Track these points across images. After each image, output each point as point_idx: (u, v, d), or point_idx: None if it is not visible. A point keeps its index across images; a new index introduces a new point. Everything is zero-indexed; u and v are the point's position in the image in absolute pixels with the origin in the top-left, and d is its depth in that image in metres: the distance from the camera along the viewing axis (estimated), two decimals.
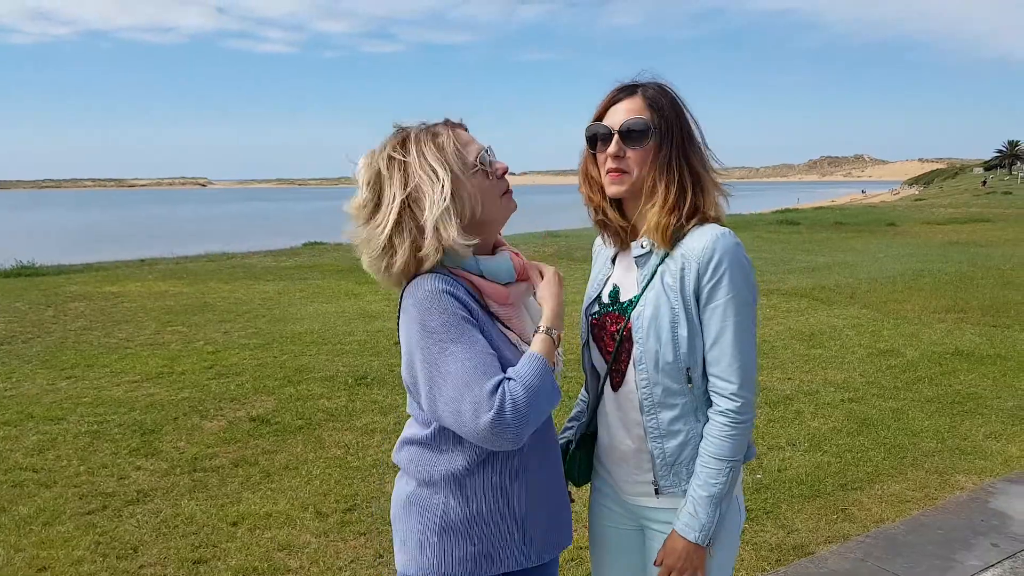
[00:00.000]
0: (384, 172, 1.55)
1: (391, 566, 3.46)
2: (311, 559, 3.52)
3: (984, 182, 72.11)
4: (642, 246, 1.69)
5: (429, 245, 1.50)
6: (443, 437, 1.58)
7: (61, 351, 7.52)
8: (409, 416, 1.70)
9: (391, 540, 3.96)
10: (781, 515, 3.90)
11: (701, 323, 1.60)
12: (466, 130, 1.64)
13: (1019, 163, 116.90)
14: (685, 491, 1.66)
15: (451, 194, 1.51)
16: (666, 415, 1.65)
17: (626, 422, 1.72)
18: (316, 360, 7.13)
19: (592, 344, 1.77)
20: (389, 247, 1.53)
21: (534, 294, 1.69)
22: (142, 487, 4.33)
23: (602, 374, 1.75)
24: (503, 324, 1.61)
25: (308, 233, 21.96)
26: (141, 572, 3.43)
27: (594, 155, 1.73)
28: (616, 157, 1.66)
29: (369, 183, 1.56)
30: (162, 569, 3.45)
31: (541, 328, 1.58)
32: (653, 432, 1.67)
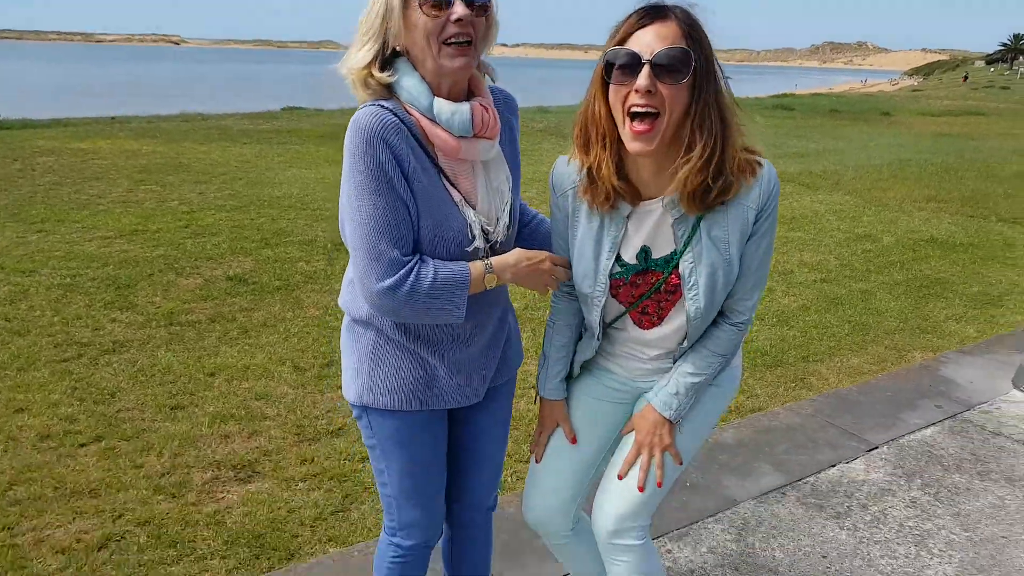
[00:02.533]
0: None
1: None
2: (288, 408, 3.62)
3: (965, 77, 70.55)
4: (673, 213, 1.55)
5: (352, 66, 1.50)
6: None
7: (30, 205, 7.39)
8: None
9: None
10: (743, 382, 4.03)
11: (743, 257, 1.59)
12: None
13: (1021, 58, 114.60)
14: None
15: (380, 17, 1.47)
16: (697, 338, 1.70)
17: (650, 352, 1.75)
18: (294, 224, 7.07)
19: (608, 298, 1.69)
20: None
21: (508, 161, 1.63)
22: (117, 338, 4.37)
23: (614, 318, 1.72)
24: (448, 180, 1.53)
25: (287, 97, 21.32)
26: (119, 416, 3.51)
27: (605, 91, 1.47)
28: (647, 92, 1.39)
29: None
30: (140, 413, 3.54)
31: (488, 263, 1.55)
32: (683, 351, 1.72)
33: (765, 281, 1.65)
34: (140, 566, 2.53)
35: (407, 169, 1.47)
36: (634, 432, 1.75)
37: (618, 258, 1.63)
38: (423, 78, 1.49)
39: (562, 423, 1.86)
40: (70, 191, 8.13)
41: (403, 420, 1.68)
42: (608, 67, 1.43)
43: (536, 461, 1.91)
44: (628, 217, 1.59)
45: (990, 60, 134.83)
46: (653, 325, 1.69)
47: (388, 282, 1.45)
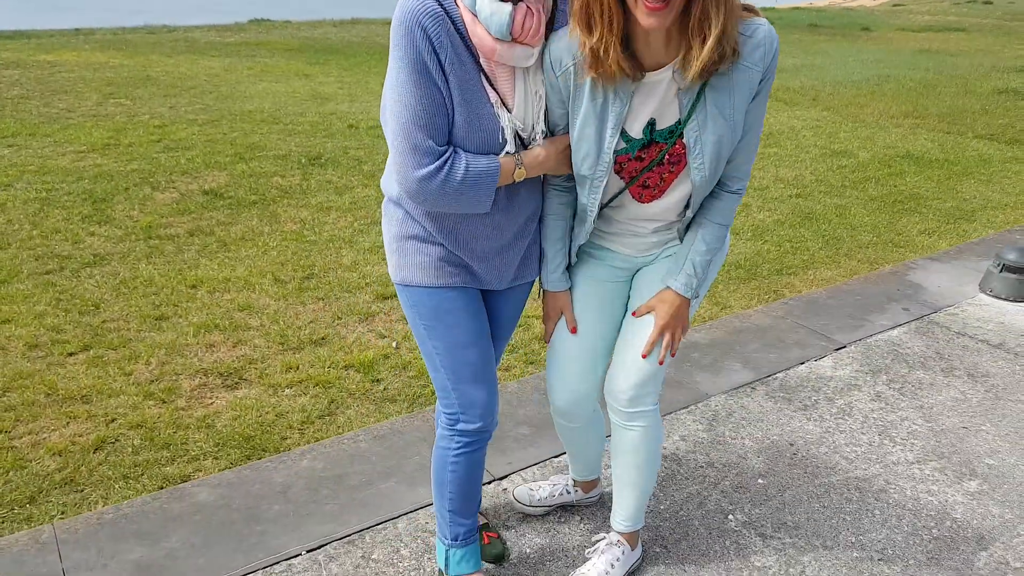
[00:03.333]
0: None
1: (349, 326, 3.63)
2: (271, 319, 3.66)
3: None
4: (679, 85, 1.55)
5: None
6: None
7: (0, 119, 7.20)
8: None
9: (349, 305, 4.10)
10: (717, 294, 4.13)
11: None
12: None
13: None
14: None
15: None
16: (699, 204, 1.76)
17: (650, 225, 1.80)
18: (268, 139, 6.96)
19: (611, 175, 1.70)
20: None
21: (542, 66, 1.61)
22: (98, 251, 4.35)
23: (612, 196, 1.74)
24: (487, 79, 1.51)
25: (253, 9, 20.55)
26: (104, 326, 3.54)
27: None
28: None
29: None
30: (125, 324, 3.57)
31: (519, 158, 1.59)
32: (687, 221, 1.79)
33: (759, 142, 1.70)
34: (135, 466, 2.61)
35: (444, 59, 1.45)
36: (652, 314, 1.83)
37: (623, 134, 1.62)
38: None
39: (565, 312, 1.90)
40: (38, 104, 7.90)
41: (440, 295, 1.72)
42: None
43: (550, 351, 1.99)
44: (634, 91, 1.57)
45: None
46: (654, 198, 1.73)
47: (423, 172, 1.49)
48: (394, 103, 1.48)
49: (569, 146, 1.66)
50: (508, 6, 1.43)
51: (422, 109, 1.46)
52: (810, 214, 5.53)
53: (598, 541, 2.16)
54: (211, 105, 8.31)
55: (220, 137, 6.92)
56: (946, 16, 32.73)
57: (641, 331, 1.85)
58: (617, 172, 1.69)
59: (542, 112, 1.62)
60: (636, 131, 1.62)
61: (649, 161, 1.64)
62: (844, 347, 3.52)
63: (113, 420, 2.85)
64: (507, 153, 1.58)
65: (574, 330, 1.90)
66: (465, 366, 1.77)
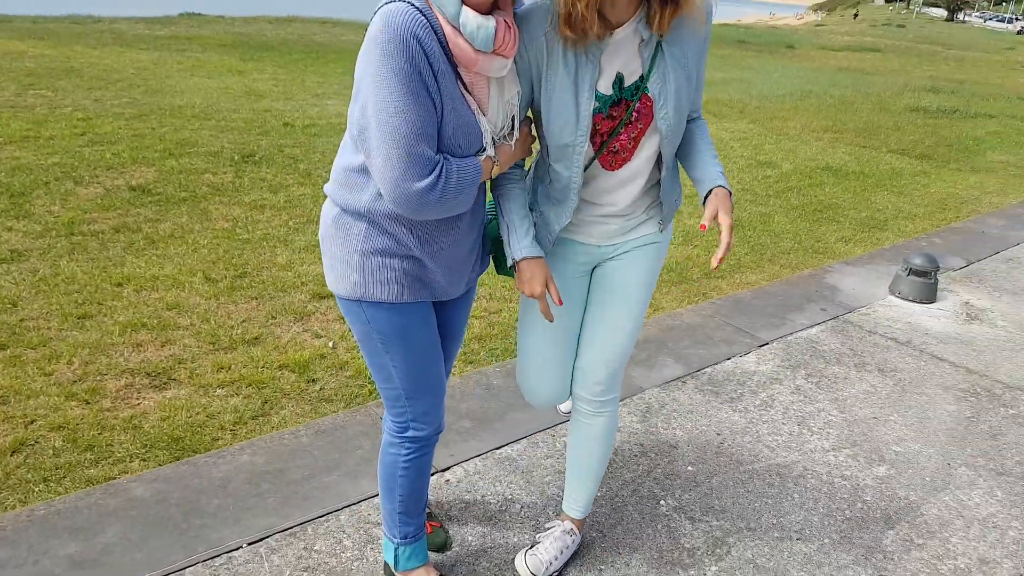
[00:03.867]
0: None
1: (284, 326, 3.59)
2: (202, 318, 3.59)
3: (855, 15, 72.66)
4: (642, 37, 1.66)
5: None
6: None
7: None
8: (343, 144, 1.71)
9: (284, 305, 4.03)
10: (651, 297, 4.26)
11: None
12: None
13: None
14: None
15: None
16: (672, 166, 1.84)
17: (624, 192, 1.85)
18: (199, 135, 6.81)
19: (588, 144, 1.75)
20: None
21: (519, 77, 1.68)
22: (15, 247, 4.18)
23: (586, 163, 1.79)
24: (464, 87, 1.55)
25: (184, 2, 20.00)
26: (23, 325, 3.41)
27: None
28: None
29: None
30: (45, 323, 3.44)
31: (495, 156, 1.64)
32: (666, 186, 1.86)
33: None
34: (56, 469, 2.53)
35: (436, 68, 1.46)
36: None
37: (596, 94, 1.69)
38: None
39: (549, 283, 1.79)
40: None
41: (402, 311, 1.71)
42: None
43: (536, 328, 2.00)
44: (602, 50, 1.66)
45: None
46: (624, 162, 1.79)
47: (424, 183, 1.48)
48: (390, 116, 1.45)
49: (528, 133, 1.75)
50: (493, 21, 1.49)
51: (420, 120, 1.46)
52: (736, 221, 5.73)
53: (551, 527, 2.22)
54: (139, 99, 8.08)
55: (148, 132, 6.74)
56: (863, 37, 34.32)
57: (608, 323, 1.95)
58: (591, 139, 1.74)
59: (512, 117, 1.69)
60: (605, 87, 1.69)
61: (619, 120, 1.71)
62: (767, 344, 3.71)
63: (32, 421, 2.76)
64: (487, 156, 1.63)
65: (560, 302, 1.82)
66: (423, 380, 1.79)
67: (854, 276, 4.69)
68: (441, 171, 1.51)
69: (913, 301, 4.31)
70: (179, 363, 3.21)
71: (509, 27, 1.53)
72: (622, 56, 1.68)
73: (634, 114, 1.71)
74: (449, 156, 1.55)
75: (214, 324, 3.55)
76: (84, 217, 4.68)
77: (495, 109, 1.61)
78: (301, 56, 12.48)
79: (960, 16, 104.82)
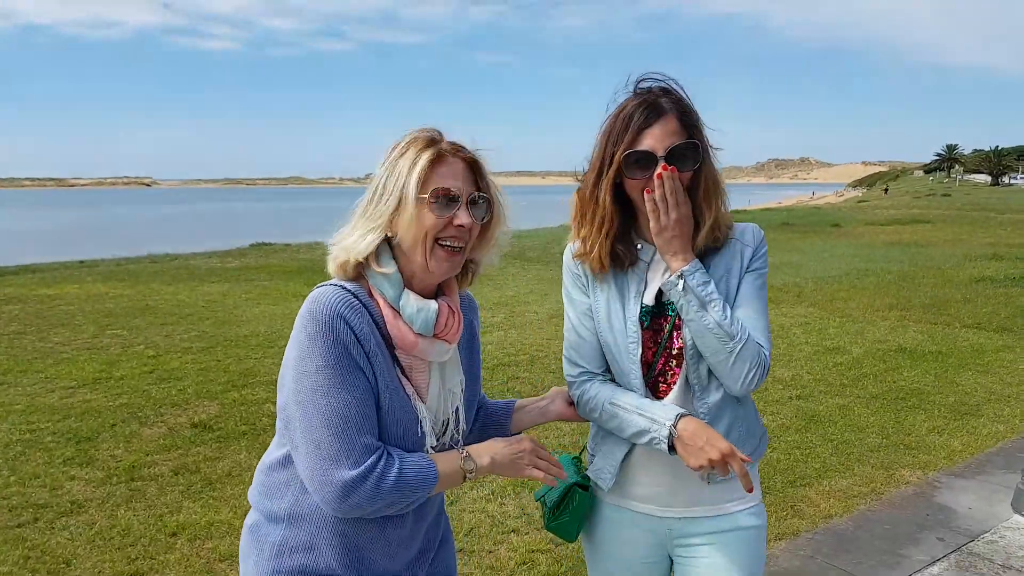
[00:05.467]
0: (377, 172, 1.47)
1: None
2: None
3: (885, 190, 73.46)
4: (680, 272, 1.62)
5: (348, 248, 1.42)
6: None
7: None
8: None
9: None
10: None
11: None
12: (468, 162, 1.46)
13: (957, 166, 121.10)
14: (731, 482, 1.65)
15: (390, 209, 1.41)
16: (714, 397, 1.63)
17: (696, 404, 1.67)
18: (262, 363, 6.95)
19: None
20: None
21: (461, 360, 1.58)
22: (76, 497, 4.14)
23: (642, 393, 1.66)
24: (402, 371, 1.46)
25: (256, 233, 21.55)
26: None
27: (617, 184, 1.61)
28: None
29: None
30: None
31: (464, 451, 1.45)
32: (706, 418, 1.63)
33: (766, 323, 1.65)
34: None
35: (368, 349, 1.38)
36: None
37: (643, 307, 1.68)
38: (399, 267, 1.45)
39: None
40: (34, 339, 7.96)
41: None
42: (626, 162, 1.58)
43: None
44: (649, 264, 1.69)
45: (928, 169, 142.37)
46: (669, 389, 1.66)
47: (357, 472, 1.33)
48: (317, 398, 1.33)
49: (520, 441, 1.52)
50: (435, 304, 1.45)
51: (355, 401, 1.34)
52: (814, 416, 5.41)
53: None
54: (207, 331, 8.40)
55: (214, 365, 6.91)
56: (909, 210, 34.67)
57: None
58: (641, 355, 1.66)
59: (458, 409, 1.55)
60: (649, 298, 1.67)
61: (662, 335, 1.65)
62: None
63: None
64: (431, 448, 1.47)
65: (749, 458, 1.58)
66: None
67: (967, 492, 4.15)
68: (379, 461, 1.34)
69: None
70: None
71: (453, 312, 1.48)
72: (664, 273, 1.65)
73: (671, 330, 1.63)
74: (392, 449, 1.39)
75: None
76: (145, 460, 4.65)
77: (435, 396, 1.50)
78: None
79: (1005, 179, 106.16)
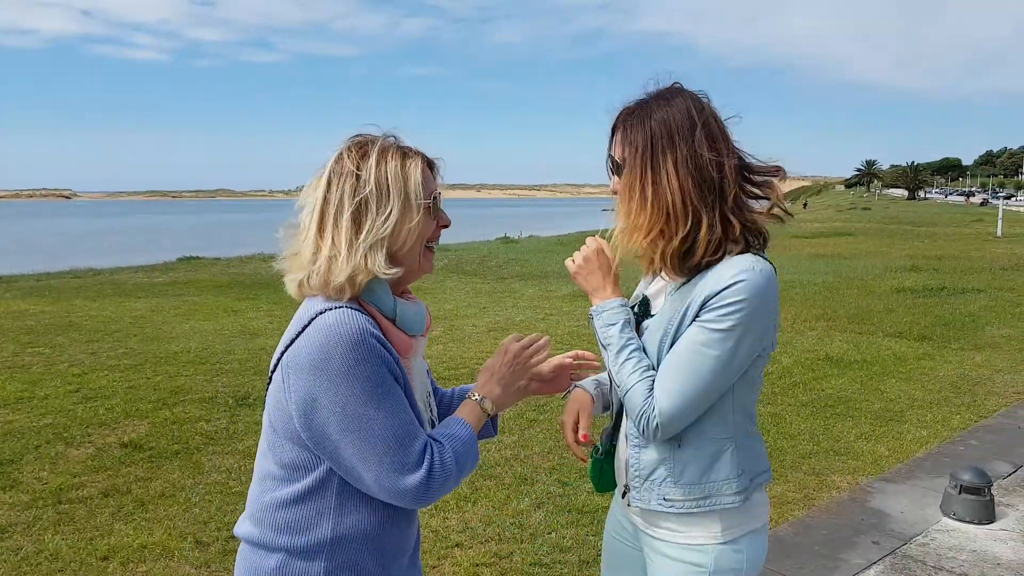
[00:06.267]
0: (333, 180, 1.40)
1: None
2: None
3: (804, 205, 75.37)
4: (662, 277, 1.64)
5: (357, 267, 1.37)
6: (330, 490, 1.39)
7: None
8: (261, 481, 1.46)
9: None
10: None
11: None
12: (428, 162, 1.48)
13: (876, 181, 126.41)
14: (655, 510, 1.59)
15: (394, 222, 1.39)
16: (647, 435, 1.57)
17: (627, 429, 1.65)
18: (193, 380, 6.76)
19: None
20: (317, 254, 1.38)
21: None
22: (0, 522, 3.95)
23: None
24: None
25: (184, 247, 20.95)
26: None
27: None
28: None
29: (316, 188, 1.42)
30: None
31: (476, 396, 1.52)
32: (633, 439, 1.61)
33: (684, 388, 1.47)
34: None
35: (396, 358, 1.40)
36: None
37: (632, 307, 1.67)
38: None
39: (582, 415, 1.70)
40: None
41: None
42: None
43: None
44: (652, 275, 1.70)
45: (849, 184, 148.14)
46: None
47: (422, 472, 1.35)
48: (379, 426, 1.33)
49: (505, 350, 1.56)
50: (422, 302, 1.54)
51: (406, 415, 1.37)
52: None
53: None
54: (135, 348, 8.12)
55: (143, 382, 6.68)
56: (833, 222, 36.01)
57: None
58: None
59: (429, 397, 1.60)
60: (636, 306, 1.67)
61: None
62: None
63: None
64: (472, 401, 1.54)
65: (585, 437, 1.67)
66: None
67: (899, 496, 4.28)
68: (433, 453, 1.38)
69: (970, 523, 3.90)
70: None
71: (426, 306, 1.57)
72: (657, 285, 1.66)
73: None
74: (434, 432, 1.44)
75: None
76: (73, 482, 4.47)
77: (420, 390, 1.54)
78: None
79: (920, 194, 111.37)
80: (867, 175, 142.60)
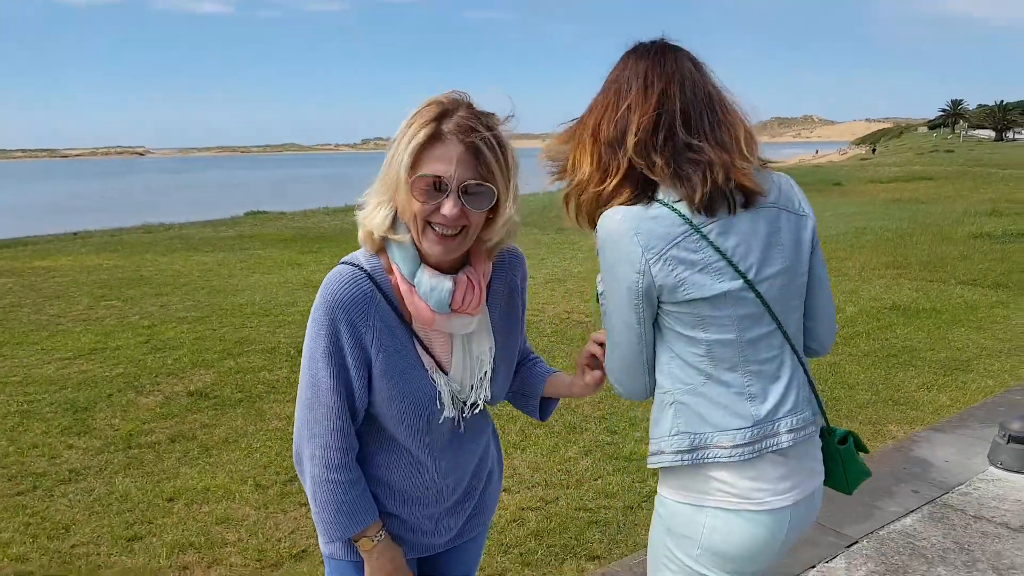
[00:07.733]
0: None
1: None
2: (250, 531, 3.45)
3: (873, 150, 71.92)
4: None
5: (369, 217, 1.44)
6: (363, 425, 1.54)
7: None
8: None
9: None
10: None
11: None
12: (469, 146, 1.34)
13: (962, 122, 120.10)
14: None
15: (389, 185, 1.39)
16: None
17: None
18: (257, 332, 6.98)
19: None
20: None
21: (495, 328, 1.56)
22: (74, 466, 4.19)
23: None
24: (422, 344, 1.47)
25: (251, 202, 21.47)
26: (73, 552, 3.32)
27: None
28: None
29: None
30: (95, 548, 3.35)
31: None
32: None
33: (610, 349, 1.51)
34: None
35: (368, 341, 1.41)
36: None
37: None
38: (415, 243, 1.42)
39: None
40: (29, 312, 7.98)
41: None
42: None
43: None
44: None
45: (932, 125, 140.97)
46: None
47: (317, 452, 1.45)
48: (304, 380, 1.46)
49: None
50: (448, 282, 1.41)
51: (328, 384, 1.43)
52: None
53: None
54: (202, 301, 8.42)
55: (209, 334, 6.94)
56: (912, 166, 34.43)
57: None
58: None
59: (484, 377, 1.54)
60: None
61: None
62: (856, 543, 3.18)
63: None
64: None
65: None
66: None
67: (946, 445, 4.14)
68: (343, 462, 1.45)
69: (1017, 472, 3.76)
70: None
71: (473, 286, 1.44)
72: None
73: None
74: (351, 467, 1.46)
75: (262, 538, 3.40)
76: (142, 428, 4.70)
77: (459, 364, 1.50)
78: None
79: (1009, 135, 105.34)
80: (952, 116, 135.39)
